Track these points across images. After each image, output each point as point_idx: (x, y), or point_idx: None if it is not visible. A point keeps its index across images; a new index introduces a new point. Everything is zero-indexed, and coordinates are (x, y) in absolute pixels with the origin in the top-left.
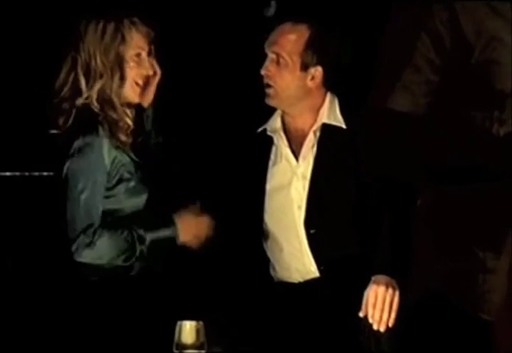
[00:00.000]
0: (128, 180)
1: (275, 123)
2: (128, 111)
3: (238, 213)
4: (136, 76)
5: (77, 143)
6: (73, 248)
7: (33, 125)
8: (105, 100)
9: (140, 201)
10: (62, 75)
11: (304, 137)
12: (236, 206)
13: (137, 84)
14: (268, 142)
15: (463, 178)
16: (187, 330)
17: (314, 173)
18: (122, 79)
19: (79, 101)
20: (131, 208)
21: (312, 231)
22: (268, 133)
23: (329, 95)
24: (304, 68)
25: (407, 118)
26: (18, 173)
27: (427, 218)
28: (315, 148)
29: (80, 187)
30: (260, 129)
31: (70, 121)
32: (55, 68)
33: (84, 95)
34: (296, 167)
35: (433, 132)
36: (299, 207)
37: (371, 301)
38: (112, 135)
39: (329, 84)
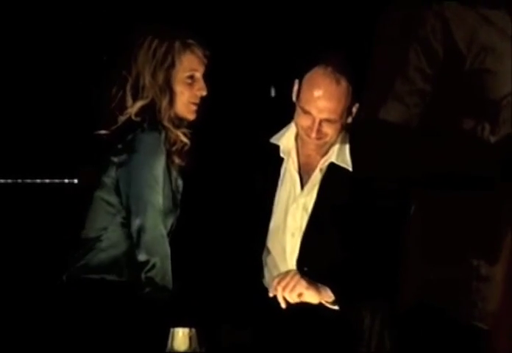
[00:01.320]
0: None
1: (289, 142)
2: (183, 131)
3: (246, 221)
4: (190, 97)
5: (135, 137)
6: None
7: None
8: (156, 120)
9: (167, 223)
10: (112, 92)
11: (313, 167)
12: (244, 215)
13: (192, 103)
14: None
15: (455, 186)
16: (180, 337)
17: (314, 212)
18: (171, 101)
19: (122, 118)
20: None
21: (305, 269)
22: (281, 154)
23: (343, 131)
24: (350, 112)
25: (399, 128)
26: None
27: (420, 225)
28: (318, 186)
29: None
30: (272, 140)
31: (114, 128)
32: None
33: (127, 110)
34: (299, 196)
35: (425, 141)
36: (293, 235)
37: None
38: (167, 153)
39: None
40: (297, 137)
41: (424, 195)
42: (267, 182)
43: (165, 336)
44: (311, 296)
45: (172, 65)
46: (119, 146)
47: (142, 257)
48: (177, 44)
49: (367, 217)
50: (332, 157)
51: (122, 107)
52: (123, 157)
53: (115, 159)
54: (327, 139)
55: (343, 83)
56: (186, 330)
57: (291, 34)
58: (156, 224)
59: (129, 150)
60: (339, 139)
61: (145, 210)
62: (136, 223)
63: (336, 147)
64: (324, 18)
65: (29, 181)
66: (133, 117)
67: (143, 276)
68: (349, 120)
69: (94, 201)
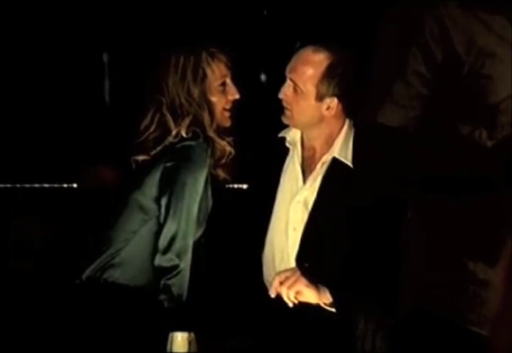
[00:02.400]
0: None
1: (295, 134)
2: (228, 141)
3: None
4: (225, 104)
5: (185, 148)
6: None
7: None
8: (201, 133)
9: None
10: (149, 116)
11: (316, 162)
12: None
13: (226, 110)
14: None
15: (452, 190)
16: (179, 341)
17: (315, 206)
18: (211, 113)
19: (169, 140)
20: None
21: (306, 264)
22: (287, 144)
23: (346, 126)
24: (320, 98)
25: (397, 131)
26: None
27: (418, 229)
28: (319, 180)
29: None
30: (280, 134)
31: (158, 150)
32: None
33: (174, 132)
34: (301, 189)
35: (423, 145)
36: (294, 229)
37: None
38: (213, 168)
39: (347, 112)
40: (303, 132)
41: (423, 199)
42: (272, 175)
43: (164, 340)
44: (310, 296)
45: (204, 77)
46: (167, 154)
47: (168, 263)
48: (204, 55)
49: (366, 214)
50: (335, 152)
51: (165, 130)
52: (171, 164)
53: (161, 165)
54: (293, 112)
55: (321, 55)
56: (185, 334)
57: (292, 33)
58: (189, 233)
59: (177, 157)
60: (342, 134)
61: (182, 218)
62: (171, 228)
63: (340, 142)
64: (324, 19)
65: (27, 185)
66: (184, 134)
67: (162, 282)
68: (324, 110)
69: (129, 203)
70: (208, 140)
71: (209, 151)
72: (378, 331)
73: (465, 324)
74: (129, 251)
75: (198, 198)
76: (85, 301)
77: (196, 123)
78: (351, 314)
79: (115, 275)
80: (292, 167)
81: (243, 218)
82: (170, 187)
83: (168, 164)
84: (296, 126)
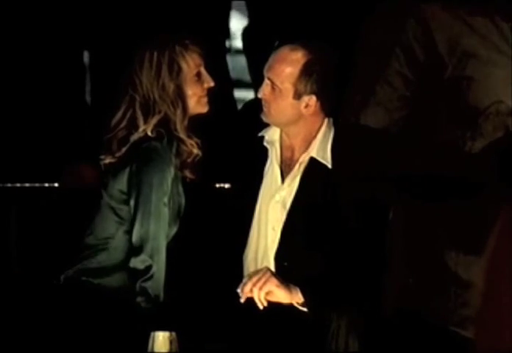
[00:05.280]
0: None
1: (274, 133)
2: (196, 141)
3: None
4: (201, 92)
5: (146, 150)
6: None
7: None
8: (168, 133)
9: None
10: (120, 113)
11: (294, 161)
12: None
13: (202, 97)
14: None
15: (435, 193)
16: (161, 341)
17: (293, 206)
18: (185, 109)
19: (134, 138)
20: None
21: (285, 263)
22: (265, 144)
23: (325, 125)
24: (298, 96)
25: (379, 133)
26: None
27: (398, 229)
28: (297, 180)
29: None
30: (260, 134)
31: (123, 151)
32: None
33: (141, 129)
34: (279, 188)
35: (406, 147)
36: (273, 228)
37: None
38: (180, 168)
39: (326, 110)
40: (282, 131)
41: (404, 200)
42: (255, 174)
43: (145, 340)
44: (281, 296)
45: (180, 71)
46: (132, 156)
47: (142, 264)
48: (178, 48)
49: (345, 214)
50: (313, 151)
51: (133, 127)
52: (136, 166)
53: (127, 168)
54: (271, 110)
55: (299, 54)
56: (166, 334)
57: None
58: (159, 234)
59: (142, 159)
60: (321, 135)
61: (150, 219)
62: (140, 231)
63: (318, 142)
64: (305, 17)
65: (9, 185)
66: (149, 133)
67: (138, 285)
68: (302, 108)
69: (102, 208)
70: (173, 140)
71: (173, 150)
72: (351, 330)
73: (445, 325)
74: (109, 255)
75: (165, 198)
76: (66, 302)
77: (165, 121)
78: (323, 313)
79: (96, 278)
80: (271, 167)
81: (225, 217)
82: (136, 189)
83: (133, 166)
84: (274, 124)
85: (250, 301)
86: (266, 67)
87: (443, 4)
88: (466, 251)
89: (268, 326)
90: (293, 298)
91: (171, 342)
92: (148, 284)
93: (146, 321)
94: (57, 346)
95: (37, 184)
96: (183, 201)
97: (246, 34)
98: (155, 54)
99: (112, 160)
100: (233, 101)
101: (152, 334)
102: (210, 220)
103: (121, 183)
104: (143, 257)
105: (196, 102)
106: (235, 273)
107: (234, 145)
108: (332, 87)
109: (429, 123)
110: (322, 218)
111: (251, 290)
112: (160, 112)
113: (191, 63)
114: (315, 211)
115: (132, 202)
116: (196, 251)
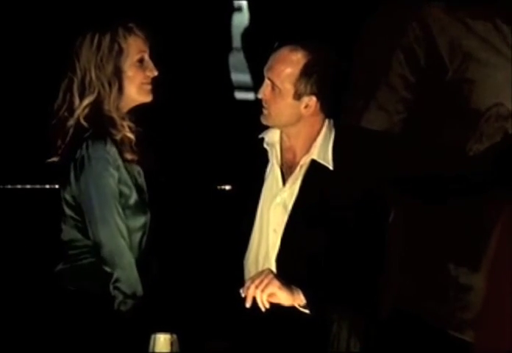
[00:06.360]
0: (127, 197)
1: (274, 135)
2: (128, 124)
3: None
4: (143, 78)
5: (81, 155)
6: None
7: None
8: (103, 116)
9: (136, 223)
10: (60, 96)
11: (295, 164)
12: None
13: (145, 84)
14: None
15: (435, 194)
16: (162, 343)
17: (294, 209)
18: (120, 91)
19: (71, 122)
20: (131, 227)
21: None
22: (265, 145)
23: (325, 127)
24: (298, 97)
25: (381, 136)
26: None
27: (400, 232)
28: (298, 182)
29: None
30: (261, 135)
31: (66, 141)
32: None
33: (76, 114)
34: (280, 191)
35: (407, 149)
36: (275, 231)
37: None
38: (119, 152)
39: (326, 111)
40: (281, 132)
41: (404, 202)
42: (255, 177)
43: (146, 342)
44: (283, 297)
45: (120, 52)
46: (71, 164)
47: (106, 269)
48: (121, 30)
49: (345, 217)
50: (314, 154)
51: (71, 111)
52: (74, 174)
53: (70, 178)
54: (271, 111)
55: (299, 54)
56: (167, 336)
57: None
58: (110, 237)
59: (78, 168)
60: (322, 136)
61: (97, 226)
62: (92, 238)
63: (318, 144)
64: (306, 18)
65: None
66: (81, 120)
67: (111, 287)
68: (302, 109)
69: (64, 214)
70: (106, 136)
71: (108, 148)
72: (353, 332)
73: (444, 328)
74: (79, 259)
75: (111, 199)
76: (61, 303)
77: (98, 103)
78: (325, 315)
79: (76, 281)
80: (272, 169)
81: (227, 219)
82: (79, 196)
83: (73, 175)
84: (274, 126)
85: (252, 303)
86: (266, 67)
87: (445, 7)
88: (467, 255)
89: (270, 328)
90: (295, 300)
91: (171, 344)
92: (119, 285)
93: (146, 322)
94: (56, 349)
95: (28, 186)
96: (144, 186)
97: (246, 33)
98: (97, 34)
99: (56, 159)
100: (234, 102)
101: (153, 336)
102: (211, 222)
103: (68, 190)
104: (103, 262)
105: (138, 88)
106: (237, 275)
107: (235, 146)
108: (332, 88)
109: (430, 125)
110: (323, 220)
111: (253, 292)
112: (93, 92)
113: (134, 47)
114: (317, 213)
115: (80, 209)
116: (198, 253)
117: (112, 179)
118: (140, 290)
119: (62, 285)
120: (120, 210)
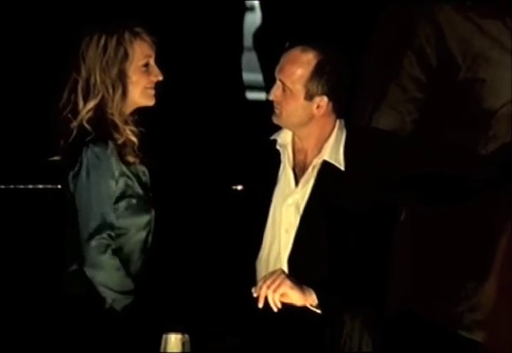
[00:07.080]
0: (130, 197)
1: (286, 136)
2: (130, 128)
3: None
4: (147, 83)
5: (85, 155)
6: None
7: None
8: (106, 120)
9: (141, 221)
10: (64, 96)
11: (307, 164)
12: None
13: (148, 88)
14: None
15: (445, 194)
16: (173, 343)
17: (306, 209)
18: (124, 95)
19: (74, 124)
20: (133, 227)
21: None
22: (277, 147)
23: (337, 127)
24: (309, 97)
25: (392, 136)
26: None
27: (410, 234)
28: (311, 183)
29: (92, 201)
30: (272, 137)
31: (69, 143)
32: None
33: (79, 116)
34: (293, 192)
35: (418, 149)
36: (286, 231)
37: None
38: (120, 157)
39: (337, 111)
40: (294, 134)
41: (415, 204)
42: (267, 178)
43: (158, 342)
44: (295, 297)
45: (125, 57)
46: (72, 167)
47: (89, 273)
48: (127, 34)
49: (357, 218)
50: (326, 154)
51: (75, 112)
52: (73, 177)
53: (69, 179)
54: (283, 111)
55: (310, 55)
56: (179, 336)
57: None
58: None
59: (78, 171)
60: (333, 137)
61: (87, 233)
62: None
63: (330, 145)
64: (316, 18)
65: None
66: (85, 123)
67: (100, 289)
68: (314, 109)
69: (66, 214)
70: (108, 140)
71: (108, 152)
72: (364, 332)
73: (454, 328)
74: (76, 262)
75: (104, 207)
76: (70, 306)
77: (102, 106)
78: (337, 315)
79: (80, 286)
80: (284, 170)
81: (239, 219)
82: (77, 197)
83: (71, 177)
84: (286, 126)
85: (264, 302)
86: (277, 68)
87: (455, 7)
88: (477, 256)
89: (282, 328)
90: (307, 300)
91: (183, 344)
92: (102, 290)
93: (157, 322)
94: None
95: (30, 186)
96: (149, 185)
97: (258, 33)
98: (103, 36)
99: (57, 158)
100: (246, 102)
101: (164, 336)
102: (223, 222)
103: (68, 192)
104: (87, 265)
105: (141, 92)
106: (249, 276)
107: (247, 146)
108: (343, 88)
109: (441, 125)
110: (335, 220)
111: (265, 293)
112: (97, 94)
113: (139, 52)
114: (329, 214)
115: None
116: (210, 253)
117: (112, 183)
118: (131, 290)
119: (77, 286)
120: (114, 217)
